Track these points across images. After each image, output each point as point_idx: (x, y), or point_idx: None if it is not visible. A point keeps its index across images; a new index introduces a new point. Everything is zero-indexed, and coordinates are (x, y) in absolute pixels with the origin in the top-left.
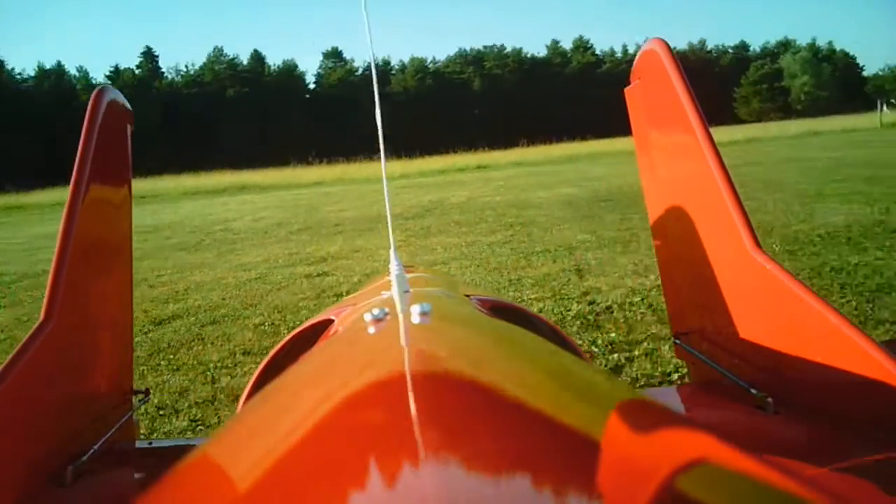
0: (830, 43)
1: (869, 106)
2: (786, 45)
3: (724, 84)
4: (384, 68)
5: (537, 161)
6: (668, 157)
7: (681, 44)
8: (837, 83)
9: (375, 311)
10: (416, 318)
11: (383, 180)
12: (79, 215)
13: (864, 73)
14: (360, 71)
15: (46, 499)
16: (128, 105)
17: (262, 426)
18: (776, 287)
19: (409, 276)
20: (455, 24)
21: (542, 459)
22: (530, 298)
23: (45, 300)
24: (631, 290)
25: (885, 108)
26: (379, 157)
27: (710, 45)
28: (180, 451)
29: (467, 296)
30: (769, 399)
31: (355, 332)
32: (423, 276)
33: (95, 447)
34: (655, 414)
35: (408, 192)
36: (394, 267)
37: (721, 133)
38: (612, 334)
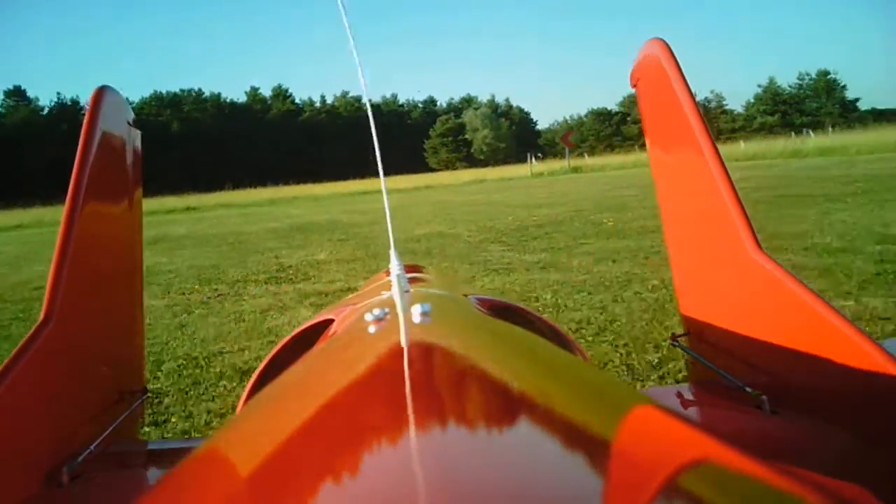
0: (507, 100)
1: (541, 156)
2: (469, 101)
3: (416, 136)
4: (73, 108)
5: (244, 203)
6: (670, 159)
7: (375, 96)
8: (514, 136)
9: (376, 311)
10: (416, 318)
11: (383, 187)
12: (79, 216)
13: (538, 128)
14: (45, 111)
15: (43, 499)
16: (128, 106)
17: (262, 426)
18: (776, 287)
19: (409, 275)
20: (152, 66)
21: (542, 459)
22: (252, 271)
23: (45, 300)
24: (305, 262)
25: (533, 160)
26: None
27: (401, 99)
28: (180, 452)
29: (466, 296)
30: (766, 398)
31: (355, 331)
32: (423, 276)
33: (92, 447)
34: (653, 413)
35: None
36: (394, 267)
37: (407, 181)
38: (300, 285)
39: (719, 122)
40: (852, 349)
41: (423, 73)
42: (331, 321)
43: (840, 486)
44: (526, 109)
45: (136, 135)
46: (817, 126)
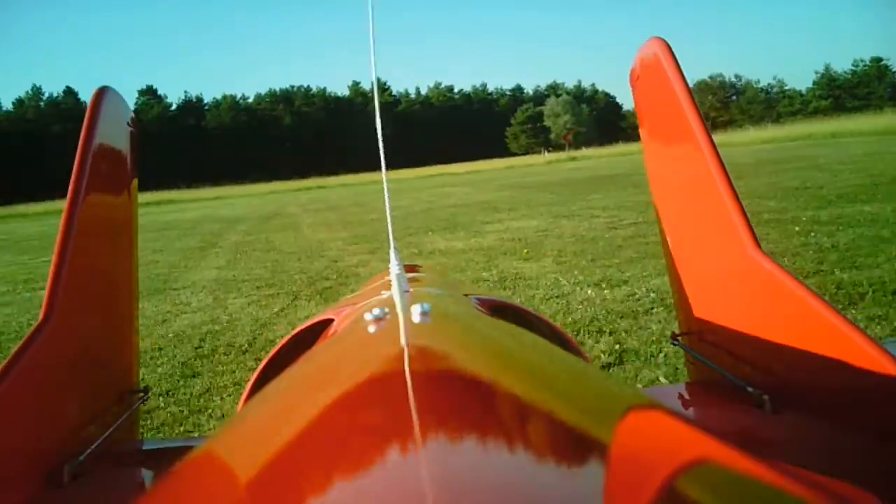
0: (593, 85)
1: (626, 138)
2: (554, 88)
3: (502, 122)
4: (197, 104)
5: (354, 184)
6: (668, 158)
7: (466, 86)
8: (595, 121)
9: (375, 311)
10: (416, 318)
11: (384, 184)
12: (79, 216)
13: (623, 111)
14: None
15: (44, 499)
16: (129, 106)
17: (262, 426)
18: (775, 287)
19: (408, 275)
20: (264, 64)
21: (542, 458)
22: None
23: (44, 300)
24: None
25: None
26: None
27: (490, 88)
28: (180, 451)
29: (466, 295)
30: (767, 398)
31: (355, 331)
32: (423, 275)
33: (93, 447)
34: (654, 413)
35: (275, 200)
36: (394, 266)
37: (491, 163)
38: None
39: (779, 107)
40: (853, 349)
41: (511, 61)
42: (331, 321)
43: (841, 486)
44: (612, 94)
45: (135, 135)
46: (868, 108)
